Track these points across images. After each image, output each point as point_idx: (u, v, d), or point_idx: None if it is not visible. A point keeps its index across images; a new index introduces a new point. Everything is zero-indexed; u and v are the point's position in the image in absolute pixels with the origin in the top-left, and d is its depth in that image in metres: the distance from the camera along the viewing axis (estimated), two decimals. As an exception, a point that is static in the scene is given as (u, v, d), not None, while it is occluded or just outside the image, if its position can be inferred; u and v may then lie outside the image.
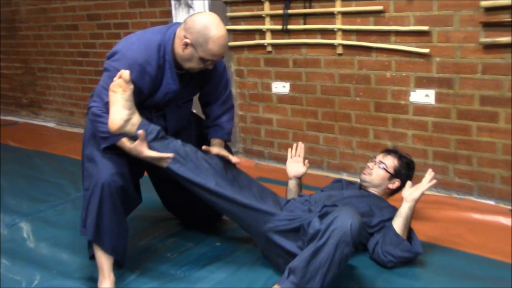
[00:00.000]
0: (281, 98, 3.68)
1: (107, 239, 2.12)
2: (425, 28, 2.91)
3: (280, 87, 3.66)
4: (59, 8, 5.00)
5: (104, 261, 2.14)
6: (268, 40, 3.60)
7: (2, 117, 5.94)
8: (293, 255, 2.07)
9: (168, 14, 4.02)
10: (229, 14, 3.76)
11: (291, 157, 2.61)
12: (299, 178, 2.59)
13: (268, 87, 3.73)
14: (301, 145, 2.61)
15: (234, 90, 3.91)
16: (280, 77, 3.65)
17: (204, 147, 2.29)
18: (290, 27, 3.47)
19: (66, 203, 3.15)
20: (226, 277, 2.21)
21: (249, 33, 3.71)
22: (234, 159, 2.34)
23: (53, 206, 3.12)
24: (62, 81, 5.28)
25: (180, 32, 2.10)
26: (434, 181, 2.25)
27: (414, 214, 2.25)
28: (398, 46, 3.05)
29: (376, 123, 3.29)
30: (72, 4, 4.84)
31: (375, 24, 3.12)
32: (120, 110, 2.02)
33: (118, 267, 2.28)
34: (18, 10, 5.40)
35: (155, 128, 2.12)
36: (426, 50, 2.93)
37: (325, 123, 3.52)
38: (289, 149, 2.62)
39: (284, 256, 2.16)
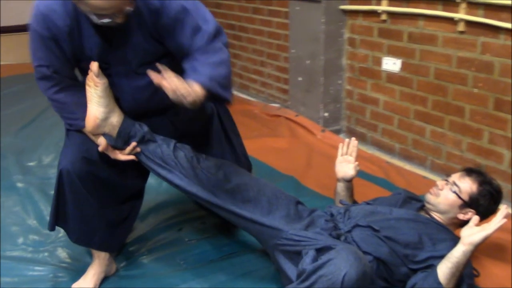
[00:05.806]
0: (391, 76, 3.12)
1: (72, 230, 1.89)
2: None
3: (391, 64, 3.10)
4: None
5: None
6: (384, 6, 3.04)
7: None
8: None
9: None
10: (347, -28, 3.27)
11: (341, 155, 2.14)
12: (349, 181, 2.13)
13: (378, 62, 3.18)
14: (354, 143, 2.12)
15: (344, 61, 3.43)
16: (392, 52, 3.07)
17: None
18: (408, -7, 2.87)
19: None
20: (222, 282, 1.94)
21: (366, -3, 3.19)
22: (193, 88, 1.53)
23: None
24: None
25: None
26: (504, 220, 1.64)
27: (497, 248, 1.66)
28: (534, 29, 2.30)
29: (493, 124, 2.58)
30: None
31: (509, -3, 2.39)
32: (94, 108, 1.74)
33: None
34: None
35: (139, 130, 1.83)
36: None
37: (434, 114, 2.89)
38: (340, 145, 2.15)
39: (288, 279, 1.80)
